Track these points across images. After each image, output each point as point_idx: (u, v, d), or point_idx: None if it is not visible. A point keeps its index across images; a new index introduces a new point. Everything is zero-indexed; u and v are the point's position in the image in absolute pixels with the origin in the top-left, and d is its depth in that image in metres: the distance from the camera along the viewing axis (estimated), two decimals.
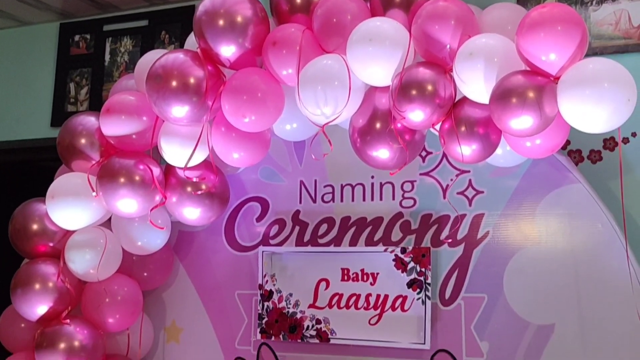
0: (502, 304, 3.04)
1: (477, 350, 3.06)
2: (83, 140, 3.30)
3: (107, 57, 4.43)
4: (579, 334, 2.91)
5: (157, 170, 3.22)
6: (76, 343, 3.28)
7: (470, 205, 3.15)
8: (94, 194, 3.20)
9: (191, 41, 3.13)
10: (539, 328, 2.97)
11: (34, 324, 3.38)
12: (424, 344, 3.11)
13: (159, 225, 3.29)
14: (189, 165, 3.06)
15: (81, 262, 3.29)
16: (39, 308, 3.31)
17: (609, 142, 3.15)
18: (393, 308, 3.20)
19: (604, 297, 2.89)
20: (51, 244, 3.42)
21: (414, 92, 2.57)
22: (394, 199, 3.28)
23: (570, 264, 2.96)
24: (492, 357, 3.04)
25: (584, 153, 3.20)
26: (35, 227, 3.40)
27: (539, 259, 3.01)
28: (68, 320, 3.31)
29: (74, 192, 3.27)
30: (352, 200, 3.36)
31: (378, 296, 3.24)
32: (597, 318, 2.89)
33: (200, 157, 3.10)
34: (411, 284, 3.16)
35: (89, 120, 3.35)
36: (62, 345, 3.24)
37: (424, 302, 3.12)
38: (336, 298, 3.33)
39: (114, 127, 3.17)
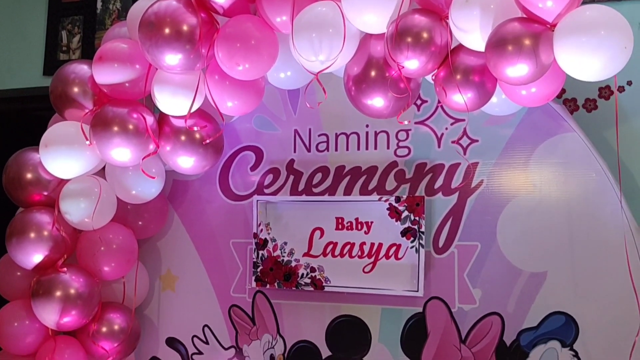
0: (495, 252, 3.06)
1: (469, 297, 3.09)
2: (76, 89, 3.27)
3: (99, 4, 4.37)
4: (571, 281, 2.94)
5: (150, 119, 3.20)
6: (72, 291, 3.30)
7: (464, 153, 3.14)
8: (88, 142, 3.19)
9: None
10: (531, 276, 3.00)
11: (29, 272, 3.40)
12: (417, 291, 3.14)
13: (153, 174, 3.28)
14: (187, 114, 3.04)
15: (76, 210, 3.29)
16: (35, 256, 3.32)
17: (605, 90, 3.14)
18: (387, 256, 3.23)
19: (596, 245, 2.91)
20: (45, 193, 3.42)
21: (409, 39, 2.54)
22: (388, 147, 3.28)
23: (563, 212, 2.97)
24: (485, 304, 3.07)
25: (579, 102, 3.19)
26: (29, 176, 3.40)
27: (533, 207, 3.02)
28: (64, 269, 3.33)
29: (67, 141, 3.26)
30: (347, 149, 3.36)
31: (372, 244, 3.26)
32: (589, 266, 2.92)
33: (194, 105, 3.08)
34: (405, 233, 3.17)
35: (82, 68, 3.31)
36: (58, 293, 3.26)
37: (417, 251, 3.14)
38: (330, 247, 3.35)
39: (107, 75, 3.14)
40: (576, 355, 2.91)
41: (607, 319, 2.87)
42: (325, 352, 3.37)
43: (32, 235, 3.31)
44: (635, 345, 2.69)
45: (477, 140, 3.13)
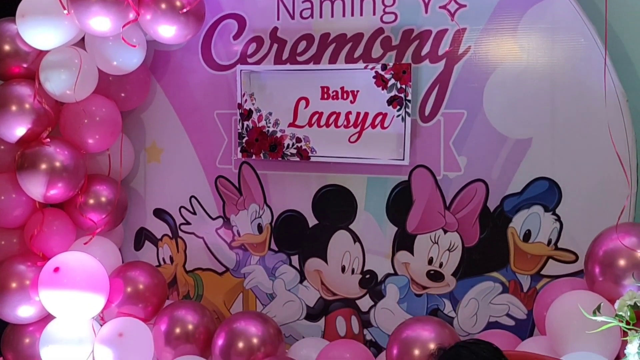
0: (481, 119, 3.06)
1: (455, 165, 3.12)
2: None
3: None
4: (555, 148, 2.96)
5: None
6: (57, 164, 3.29)
7: (452, 19, 3.08)
8: (65, 11, 3.09)
9: None
10: (516, 142, 3.01)
11: (13, 146, 3.38)
12: (403, 160, 3.15)
13: (133, 43, 3.21)
14: None
15: (57, 82, 3.25)
16: (17, 130, 3.30)
17: None
18: (373, 125, 3.22)
19: (581, 112, 2.91)
20: (25, 65, 3.36)
21: None
22: (374, 14, 3.20)
23: (549, 79, 2.95)
24: (470, 171, 3.10)
25: None
26: (7, 47, 3.33)
27: (520, 74, 3.00)
28: (48, 140, 3.31)
29: (44, 10, 3.17)
30: (332, 15, 3.28)
31: (358, 114, 3.24)
32: (574, 132, 2.93)
33: None
34: (391, 101, 3.15)
35: None
36: (43, 166, 3.26)
37: (403, 119, 3.13)
38: (316, 117, 3.33)
39: None
40: (558, 219, 2.96)
41: (589, 183, 2.91)
42: (312, 221, 3.42)
43: (14, 108, 3.28)
44: (624, 210, 2.73)
45: (465, 6, 3.06)
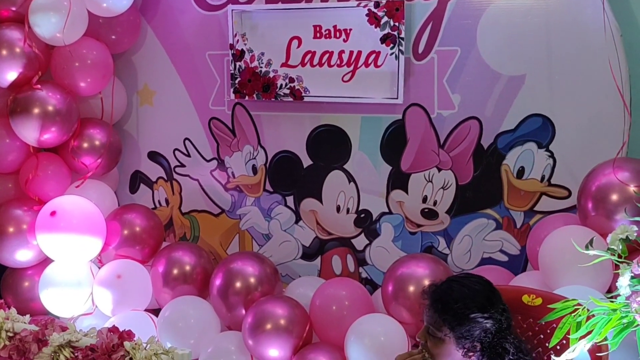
0: (474, 56, 3.04)
1: (448, 103, 3.11)
2: None
3: None
4: (549, 84, 2.95)
5: None
6: (50, 108, 3.28)
7: None
8: None
9: None
10: (510, 79, 3.00)
11: (5, 91, 3.36)
12: (397, 98, 3.15)
13: None
14: None
15: (47, 25, 3.22)
16: (9, 74, 3.28)
17: None
18: (366, 64, 3.20)
19: (575, 47, 2.90)
20: (14, 9, 3.33)
21: None
22: None
23: (543, 15, 2.92)
24: (463, 109, 3.10)
25: None
26: None
27: (513, 10, 2.97)
28: (39, 85, 3.29)
29: None
30: None
31: (351, 53, 3.22)
32: (568, 68, 2.92)
33: None
34: (384, 39, 3.12)
35: None
36: (36, 110, 3.25)
37: (397, 57, 3.11)
38: (309, 56, 3.30)
39: None
40: (552, 155, 2.97)
41: (582, 119, 2.91)
42: (307, 161, 3.43)
43: (4, 52, 3.26)
44: (625, 144, 2.75)
45: None
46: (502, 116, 3.03)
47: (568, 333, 2.06)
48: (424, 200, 3.22)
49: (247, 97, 3.43)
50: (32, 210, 3.36)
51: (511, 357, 2.18)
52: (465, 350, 2.17)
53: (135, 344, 2.02)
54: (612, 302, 2.08)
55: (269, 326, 3.01)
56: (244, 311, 3.14)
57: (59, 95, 3.34)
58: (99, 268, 3.43)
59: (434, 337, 2.21)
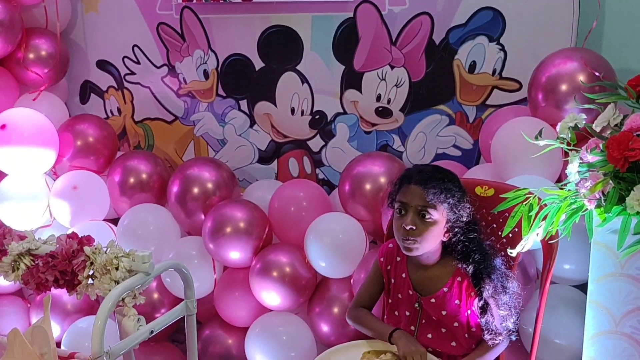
0: None
1: None
2: None
3: None
4: None
5: None
6: None
7: None
8: None
9: None
10: None
11: None
12: None
13: None
14: None
15: None
16: None
17: None
18: None
19: None
20: None
21: None
22: None
23: None
24: (414, 4, 3.06)
25: None
26: None
27: None
28: None
29: None
30: None
31: None
32: None
33: None
34: None
35: None
36: None
37: None
38: None
39: None
40: (502, 48, 2.98)
41: (532, 11, 2.90)
42: (259, 63, 3.39)
43: None
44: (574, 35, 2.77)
45: None
46: (453, 11, 3.01)
47: (520, 222, 2.12)
48: (378, 98, 3.22)
49: (194, 0, 3.35)
50: None
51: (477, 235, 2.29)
52: (449, 226, 2.25)
53: (95, 248, 2.03)
54: (561, 189, 2.14)
55: (228, 229, 3.04)
56: (203, 216, 3.16)
57: (1, 6, 3.23)
58: (54, 180, 3.40)
59: (425, 220, 2.23)
